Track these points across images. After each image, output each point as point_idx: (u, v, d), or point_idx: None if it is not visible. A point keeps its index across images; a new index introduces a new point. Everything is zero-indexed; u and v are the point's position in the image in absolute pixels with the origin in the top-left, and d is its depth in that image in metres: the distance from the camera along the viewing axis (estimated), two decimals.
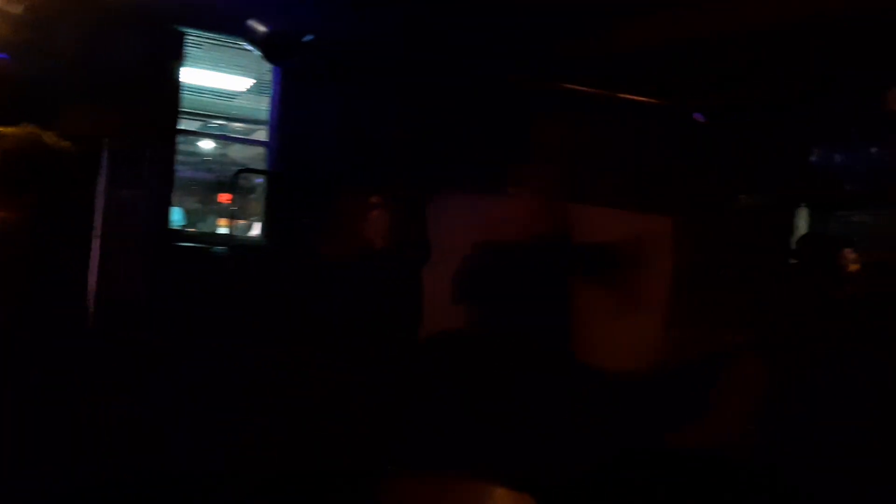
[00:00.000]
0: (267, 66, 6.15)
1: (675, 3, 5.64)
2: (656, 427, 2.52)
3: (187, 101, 6.16)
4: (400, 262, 3.57)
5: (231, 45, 6.17)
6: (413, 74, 6.00)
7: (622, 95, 6.25)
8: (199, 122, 7.46)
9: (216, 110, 7.57)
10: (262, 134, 6.81)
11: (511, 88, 6.15)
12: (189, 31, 5.91)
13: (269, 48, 5.50)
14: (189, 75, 6.20)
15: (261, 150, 6.65)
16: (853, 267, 5.52)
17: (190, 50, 5.99)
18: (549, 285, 2.97)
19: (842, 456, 2.38)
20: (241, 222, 7.64)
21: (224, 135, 7.97)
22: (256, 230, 7.02)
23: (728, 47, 5.96)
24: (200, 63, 6.44)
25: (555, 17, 5.94)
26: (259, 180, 7.05)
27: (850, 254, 6.54)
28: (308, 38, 5.72)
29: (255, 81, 6.95)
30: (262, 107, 6.60)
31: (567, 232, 3.52)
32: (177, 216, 7.06)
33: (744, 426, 2.45)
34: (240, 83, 7.09)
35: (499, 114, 6.12)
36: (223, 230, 7.60)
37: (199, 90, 6.83)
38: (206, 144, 8.45)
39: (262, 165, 6.51)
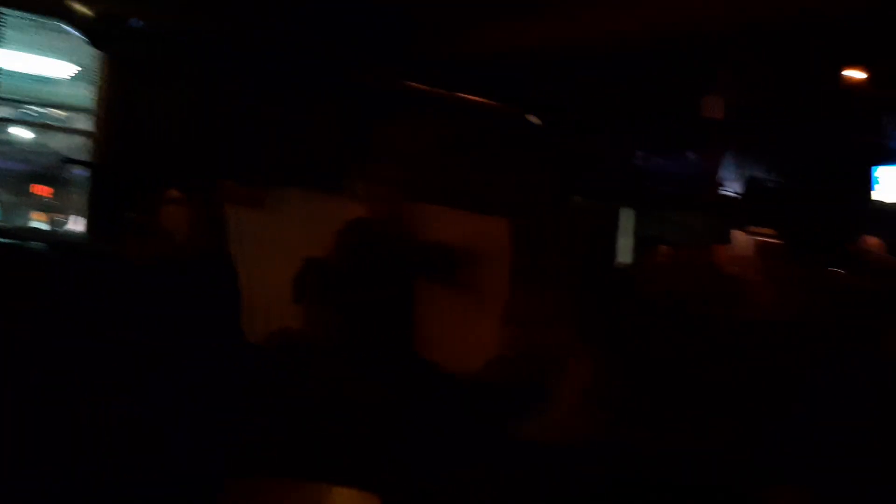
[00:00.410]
0: (91, 52, 5.79)
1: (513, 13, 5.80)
2: (500, 424, 2.58)
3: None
4: (207, 265, 3.45)
5: (51, 27, 5.78)
6: (247, 69, 5.82)
7: (461, 96, 6.36)
8: (14, 109, 6.97)
9: (34, 96, 7.08)
10: (84, 122, 6.42)
11: (351, 87, 6.11)
12: (2, 10, 5.49)
13: (93, 32, 5.20)
14: (2, 58, 5.77)
15: (83, 139, 6.27)
16: (668, 264, 5.89)
17: (2, 31, 5.57)
18: (388, 286, 2.98)
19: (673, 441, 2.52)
20: (61, 217, 7.19)
21: (42, 123, 7.47)
22: (78, 225, 6.63)
23: (564, 57, 6.20)
24: (15, 45, 5.99)
25: (396, 18, 5.96)
26: (81, 172, 6.65)
27: (665, 251, 6.97)
28: (136, 23, 5.45)
29: (79, 67, 6.55)
30: (86, 94, 6.22)
31: (407, 232, 3.55)
32: None
33: (580, 421, 2.55)
34: (62, 68, 6.66)
35: (339, 113, 6.06)
36: (40, 224, 7.13)
37: (13, 74, 6.36)
38: (24, 133, 7.90)
39: (84, 156, 6.14)
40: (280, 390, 2.67)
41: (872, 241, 6.20)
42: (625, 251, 8.79)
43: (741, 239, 8.29)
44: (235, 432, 2.53)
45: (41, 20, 5.76)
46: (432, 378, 2.90)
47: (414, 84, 6.35)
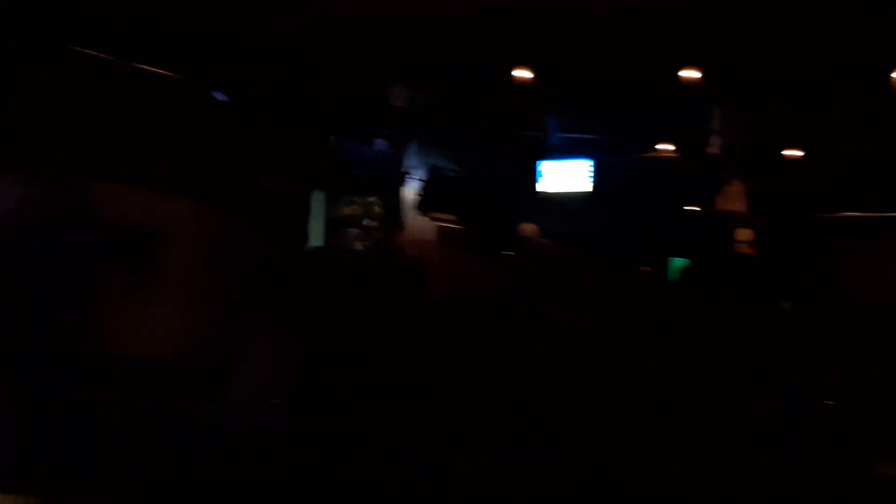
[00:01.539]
0: None
1: None
2: (184, 409, 2.49)
3: None
4: None
5: None
6: None
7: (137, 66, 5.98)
8: None
9: None
10: None
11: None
12: None
13: None
14: None
15: None
16: (361, 246, 6.08)
17: None
18: (69, 272, 2.76)
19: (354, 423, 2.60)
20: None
21: None
22: None
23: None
24: None
25: None
26: None
27: (355, 235, 7.17)
28: None
29: None
30: None
31: (88, 211, 3.29)
32: None
33: (267, 403, 2.55)
34: None
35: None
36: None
37: None
38: None
39: None
40: None
41: (529, 227, 6.86)
42: (316, 235, 8.88)
43: (423, 224, 8.74)
44: None
45: None
46: (111, 365, 2.74)
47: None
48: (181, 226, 3.80)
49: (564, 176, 9.92)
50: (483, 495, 2.49)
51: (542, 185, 9.97)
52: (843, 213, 11.50)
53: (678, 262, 7.42)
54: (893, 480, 2.95)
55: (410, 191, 9.21)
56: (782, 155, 9.67)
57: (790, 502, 2.69)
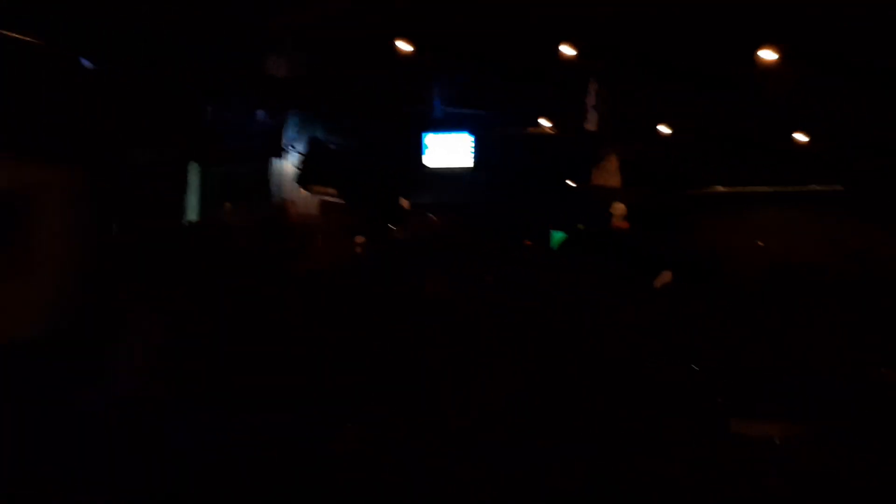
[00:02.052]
0: None
1: None
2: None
3: None
4: None
5: None
6: None
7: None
8: None
9: None
10: None
11: None
12: None
13: None
14: None
15: None
16: (237, 220, 5.92)
17: None
18: None
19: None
20: None
21: None
22: None
23: None
24: None
25: None
26: None
27: (230, 209, 6.98)
28: None
29: None
30: None
31: None
32: None
33: (141, 379, 2.47)
34: None
35: None
36: None
37: None
38: None
39: None
40: None
41: (404, 201, 6.87)
42: (192, 208, 8.60)
43: (302, 197, 8.60)
44: None
45: None
46: None
47: None
48: (47, 196, 3.60)
49: (448, 150, 9.92)
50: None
51: (427, 159, 9.94)
52: (711, 189, 12.06)
53: (558, 235, 7.57)
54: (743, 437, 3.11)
55: (290, 164, 9.03)
56: (657, 131, 9.99)
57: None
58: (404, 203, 6.59)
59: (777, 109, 8.64)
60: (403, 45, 7.65)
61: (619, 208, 8.87)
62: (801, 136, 9.87)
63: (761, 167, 10.77)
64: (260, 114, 8.76)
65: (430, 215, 6.04)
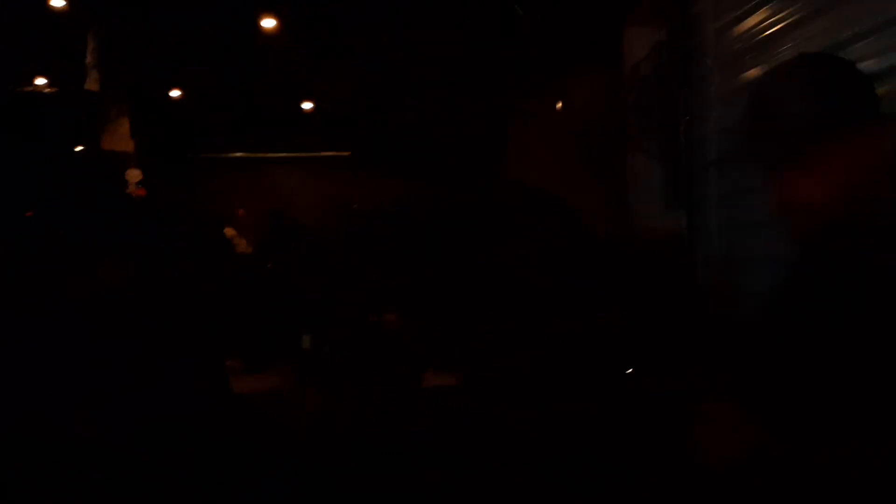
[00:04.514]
0: None
1: None
2: None
3: None
4: None
5: None
6: None
7: None
8: None
9: None
10: None
11: None
12: None
13: None
14: None
15: None
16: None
17: None
18: None
19: None
20: None
21: None
22: None
23: None
24: None
25: None
26: None
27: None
28: None
29: None
30: None
31: None
32: None
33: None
34: None
35: None
36: None
37: None
38: None
39: None
40: None
41: None
42: None
43: None
44: None
45: None
46: None
47: None
48: None
49: None
50: None
51: None
52: (229, 153, 12.17)
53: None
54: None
55: None
56: (169, 96, 9.76)
57: None
58: None
59: (286, 76, 8.98)
60: None
61: (133, 174, 8.47)
62: (310, 104, 10.44)
63: (279, 133, 11.17)
64: None
65: None
